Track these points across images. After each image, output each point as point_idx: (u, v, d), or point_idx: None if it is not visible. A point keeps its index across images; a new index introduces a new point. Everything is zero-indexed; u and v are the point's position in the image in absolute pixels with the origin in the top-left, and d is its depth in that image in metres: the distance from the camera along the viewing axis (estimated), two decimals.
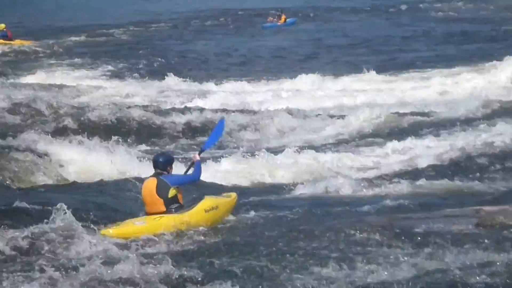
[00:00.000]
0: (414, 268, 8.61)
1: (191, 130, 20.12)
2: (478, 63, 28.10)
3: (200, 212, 11.18)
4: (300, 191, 13.76)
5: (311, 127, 19.95)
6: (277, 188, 14.16)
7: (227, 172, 15.46)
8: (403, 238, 9.65)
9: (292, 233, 10.07)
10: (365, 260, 8.87)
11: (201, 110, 21.25)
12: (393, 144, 16.93)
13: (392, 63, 30.92)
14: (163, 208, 11.06)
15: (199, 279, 8.56)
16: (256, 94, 25.11)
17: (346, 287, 8.29)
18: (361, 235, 9.83)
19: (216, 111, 21.29)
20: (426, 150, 16.13)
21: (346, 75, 27.75)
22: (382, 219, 10.74)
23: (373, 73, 27.51)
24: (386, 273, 8.52)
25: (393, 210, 11.69)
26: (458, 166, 14.75)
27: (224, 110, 21.44)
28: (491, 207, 10.84)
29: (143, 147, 18.46)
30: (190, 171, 11.54)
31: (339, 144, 17.92)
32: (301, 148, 16.69)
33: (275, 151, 16.82)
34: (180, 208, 11.11)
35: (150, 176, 11.26)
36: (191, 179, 11.53)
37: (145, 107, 21.74)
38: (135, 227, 10.74)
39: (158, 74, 29.56)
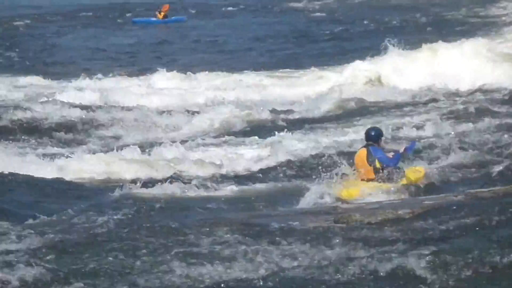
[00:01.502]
0: (271, 264, 8.57)
1: (49, 126, 19.73)
2: (337, 63, 28.50)
3: (383, 188, 12.67)
4: (152, 188, 13.54)
5: (170, 123, 19.85)
6: (123, 185, 13.94)
7: (66, 168, 15.23)
8: (261, 234, 9.63)
9: (147, 231, 9.86)
10: (223, 257, 8.77)
11: (59, 105, 20.89)
12: (252, 141, 16.99)
13: (258, 61, 31.14)
14: (373, 176, 12.87)
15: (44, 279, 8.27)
16: (114, 90, 24.80)
17: (201, 285, 8.17)
18: (219, 232, 9.71)
19: (75, 106, 20.99)
20: (286, 147, 16.22)
21: (210, 72, 27.67)
22: (240, 216, 10.70)
23: (239, 71, 27.63)
24: (243, 270, 8.45)
25: (252, 207, 11.67)
26: (316, 165, 14.85)
27: (83, 106, 21.16)
28: (348, 205, 10.97)
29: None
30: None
31: (197, 141, 17.79)
32: (153, 145, 16.52)
33: (132, 147, 16.70)
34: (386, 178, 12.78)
35: (363, 146, 13.19)
36: (389, 162, 12.93)
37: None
38: (349, 192, 12.57)
39: (17, 69, 28.84)
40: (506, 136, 16.63)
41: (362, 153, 13.07)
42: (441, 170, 14.04)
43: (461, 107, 20.26)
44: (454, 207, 10.12)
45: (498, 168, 13.87)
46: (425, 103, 21.59)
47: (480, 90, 23.17)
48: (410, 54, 27.68)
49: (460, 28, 37.23)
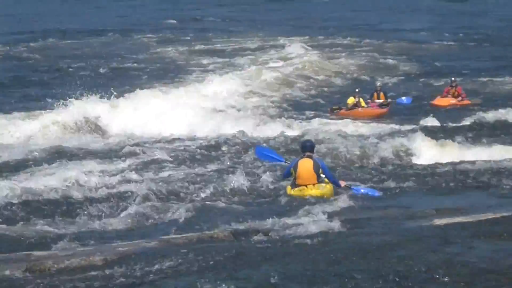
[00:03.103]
0: None
1: None
2: (30, 109, 27.88)
3: (331, 188, 15.69)
4: None
5: None
6: None
7: None
8: None
9: None
10: None
11: None
12: None
13: None
14: (315, 181, 15.59)
15: None
16: None
17: None
18: None
19: None
20: None
21: None
22: None
23: None
24: None
25: None
26: (17, 211, 14.52)
27: None
28: (41, 252, 10.74)
29: None
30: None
31: None
32: None
33: None
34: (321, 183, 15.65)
35: (303, 158, 15.68)
36: (330, 176, 15.88)
37: None
38: (309, 191, 15.50)
39: None
40: (191, 186, 17.08)
41: (308, 163, 15.62)
42: (132, 217, 14.27)
43: (162, 155, 20.63)
44: (148, 253, 10.23)
45: (187, 215, 14.26)
46: (126, 150, 21.74)
47: (184, 138, 23.78)
48: (112, 102, 27.88)
49: (173, 75, 38.07)
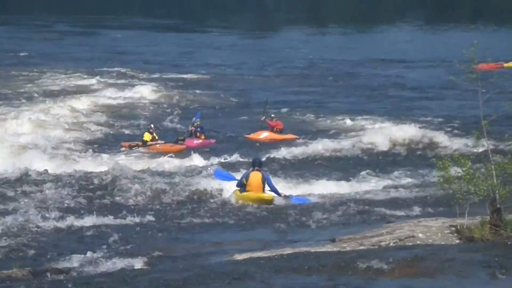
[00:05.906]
0: None
1: None
2: None
3: (272, 198, 19.23)
4: None
5: None
6: None
7: None
8: None
9: None
10: None
11: None
12: None
13: None
14: (261, 190, 19.27)
15: None
16: None
17: None
18: None
19: None
20: None
21: None
22: None
23: None
24: None
25: None
26: None
27: None
28: None
29: None
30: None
31: None
32: None
33: None
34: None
35: (254, 170, 19.50)
36: (274, 188, 19.50)
37: None
38: (257, 194, 19.13)
39: None
40: None
41: (257, 175, 19.39)
42: None
43: None
44: None
45: None
46: None
47: None
48: None
49: None
